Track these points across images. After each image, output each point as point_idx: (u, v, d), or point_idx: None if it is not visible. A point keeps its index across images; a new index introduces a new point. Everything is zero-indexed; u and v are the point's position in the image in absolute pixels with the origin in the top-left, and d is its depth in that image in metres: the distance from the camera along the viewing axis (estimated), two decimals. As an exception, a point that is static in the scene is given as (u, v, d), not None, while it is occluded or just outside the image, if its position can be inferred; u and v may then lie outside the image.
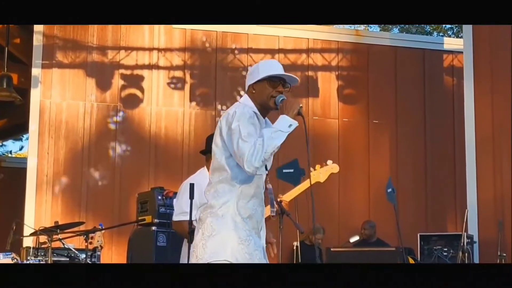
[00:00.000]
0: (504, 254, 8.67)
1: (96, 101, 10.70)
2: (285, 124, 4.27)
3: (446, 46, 12.22)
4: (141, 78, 10.87)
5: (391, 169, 11.46)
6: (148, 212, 8.38)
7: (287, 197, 6.17)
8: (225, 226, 4.24)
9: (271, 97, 4.40)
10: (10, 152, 24.33)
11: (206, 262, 4.17)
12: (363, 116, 11.68)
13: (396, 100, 11.74)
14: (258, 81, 4.43)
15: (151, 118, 10.85)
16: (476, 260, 9.24)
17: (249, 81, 4.48)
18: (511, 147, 9.36)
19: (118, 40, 10.89)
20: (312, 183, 6.12)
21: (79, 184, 10.52)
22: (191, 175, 6.51)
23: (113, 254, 10.25)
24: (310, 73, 11.51)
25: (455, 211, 11.42)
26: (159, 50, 11.00)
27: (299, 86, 11.36)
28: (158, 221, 8.18)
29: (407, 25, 22.41)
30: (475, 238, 9.46)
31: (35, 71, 10.49)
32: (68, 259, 7.94)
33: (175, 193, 8.30)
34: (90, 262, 7.70)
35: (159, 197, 8.35)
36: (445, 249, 9.28)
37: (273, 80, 4.43)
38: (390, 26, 22.76)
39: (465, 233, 8.67)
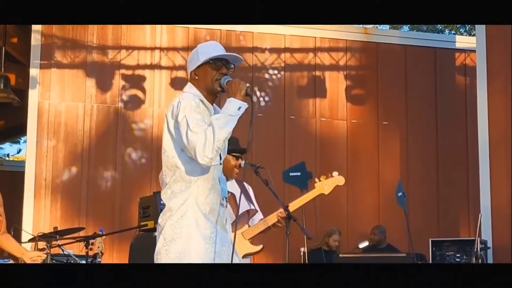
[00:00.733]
0: (520, 260, 8.55)
1: (96, 102, 10.58)
2: (234, 107, 4.15)
3: (458, 45, 12.11)
4: (143, 78, 10.73)
5: (401, 172, 11.34)
6: (150, 217, 8.23)
7: (291, 207, 6.00)
8: (187, 228, 4.07)
9: (215, 80, 4.26)
10: (8, 155, 24.34)
11: None
12: (372, 117, 11.52)
13: (407, 101, 11.60)
14: (200, 65, 4.26)
15: (153, 120, 10.69)
16: (490, 267, 9.06)
17: (190, 67, 4.31)
18: (527, 148, 9.23)
19: (119, 39, 10.75)
20: (316, 194, 6.06)
21: (78, 188, 10.39)
22: None
23: (114, 260, 10.12)
24: (318, 73, 11.38)
25: (468, 216, 11.30)
26: (161, 49, 10.87)
27: (306, 86, 11.23)
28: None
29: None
30: (489, 244, 9.33)
31: (33, 72, 10.37)
32: (67, 266, 7.80)
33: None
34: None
35: (162, 202, 8.12)
36: (458, 255, 9.21)
37: (215, 63, 4.26)
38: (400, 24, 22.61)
39: (478, 238, 8.51)
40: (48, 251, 7.27)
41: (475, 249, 8.46)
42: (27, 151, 10.56)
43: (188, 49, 10.91)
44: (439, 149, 11.57)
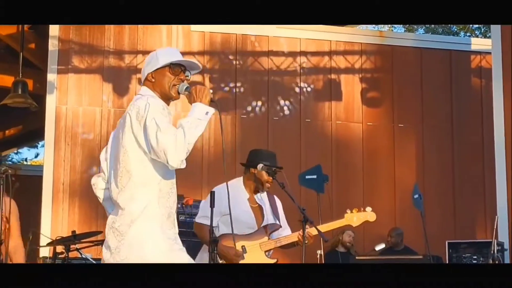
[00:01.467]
0: (537, 262, 8.49)
1: (113, 107, 10.58)
2: (202, 112, 4.10)
3: (473, 47, 12.01)
4: (159, 83, 10.66)
5: (417, 174, 11.28)
6: (167, 220, 8.22)
7: (313, 230, 6.03)
8: (151, 232, 4.06)
9: (172, 86, 4.21)
10: (26, 159, 24.42)
11: None
12: (388, 119, 11.48)
13: (422, 103, 11.55)
14: (158, 69, 4.20)
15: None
16: (507, 269, 9.00)
17: (148, 69, 4.24)
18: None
19: (135, 44, 10.75)
20: (343, 225, 6.28)
21: (96, 192, 10.32)
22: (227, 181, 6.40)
23: (131, 263, 10.04)
24: (333, 76, 11.35)
25: (484, 217, 11.22)
26: (177, 54, 10.79)
27: (322, 89, 11.22)
28: (178, 230, 7.97)
29: (432, 26, 22.21)
30: (506, 245, 9.20)
31: (51, 77, 10.39)
32: (85, 269, 7.80)
33: (195, 201, 8.21)
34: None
35: (179, 205, 8.24)
36: (475, 257, 9.15)
37: (174, 68, 4.21)
38: (415, 27, 22.56)
39: (495, 240, 8.45)
40: (66, 255, 7.34)
41: (492, 251, 8.43)
42: (45, 156, 10.58)
43: (204, 53, 10.94)
44: (455, 151, 11.50)
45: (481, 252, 9.06)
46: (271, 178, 6.02)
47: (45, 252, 8.41)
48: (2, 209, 5.34)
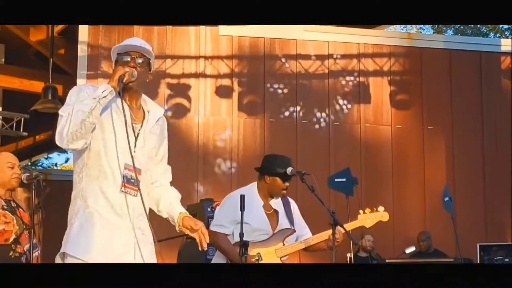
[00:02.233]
0: None
1: (143, 111, 10.56)
2: (99, 90, 3.89)
3: (503, 48, 11.95)
4: (188, 87, 10.75)
5: (447, 177, 11.21)
6: (197, 224, 8.22)
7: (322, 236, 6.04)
8: (78, 221, 3.98)
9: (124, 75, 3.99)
10: (56, 164, 24.63)
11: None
12: (417, 122, 11.44)
13: (452, 105, 11.49)
14: (115, 63, 4.09)
15: (198, 127, 10.71)
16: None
17: None
18: None
19: (164, 49, 10.78)
20: (356, 226, 6.05)
21: (126, 196, 10.36)
22: (241, 187, 6.37)
23: (162, 267, 10.07)
24: (362, 78, 11.33)
25: (515, 220, 11.08)
26: (205, 58, 10.87)
27: (351, 92, 11.19)
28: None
29: (461, 27, 22.08)
30: (537, 247, 9.19)
31: (80, 82, 10.39)
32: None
33: (224, 205, 8.21)
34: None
35: (208, 209, 8.26)
36: (506, 260, 9.15)
37: (122, 58, 4.04)
38: (444, 28, 22.44)
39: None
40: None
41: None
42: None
43: (232, 57, 10.96)
44: (485, 153, 11.44)
45: (513, 254, 8.98)
46: (286, 184, 5.99)
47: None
48: (33, 214, 5.38)
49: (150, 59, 4.12)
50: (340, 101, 11.20)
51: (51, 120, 12.08)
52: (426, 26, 24.88)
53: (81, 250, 3.92)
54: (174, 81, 10.73)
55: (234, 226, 5.79)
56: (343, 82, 11.26)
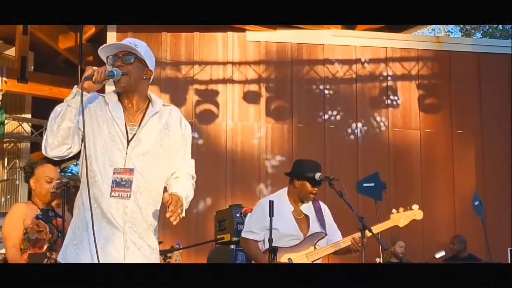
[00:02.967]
0: None
1: (171, 118, 10.58)
2: (71, 94, 3.81)
3: (533, 51, 11.79)
4: (216, 93, 10.77)
5: (477, 181, 11.15)
6: (226, 230, 8.30)
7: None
8: (71, 230, 3.98)
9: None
10: (85, 171, 24.69)
11: None
12: (446, 126, 11.37)
13: (481, 109, 11.42)
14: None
15: (226, 133, 10.71)
16: None
17: None
18: None
19: (192, 55, 10.81)
20: (389, 226, 5.98)
21: (155, 202, 10.39)
22: (272, 193, 6.39)
23: (191, 273, 10.08)
24: (390, 83, 11.26)
25: (547, 223, 10.96)
26: (233, 64, 10.89)
27: (378, 96, 11.15)
28: (237, 239, 8.02)
29: (490, 30, 21.95)
30: None
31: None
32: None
33: (254, 211, 8.22)
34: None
35: (237, 215, 8.27)
36: (538, 264, 8.92)
37: (111, 59, 3.95)
38: (473, 31, 22.32)
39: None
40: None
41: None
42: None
43: (259, 62, 10.97)
44: (515, 156, 11.34)
45: (544, 258, 8.89)
46: (315, 189, 5.99)
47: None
48: (65, 219, 5.41)
49: (138, 55, 3.98)
50: (368, 106, 11.17)
51: (80, 127, 12.21)
52: (455, 29, 24.82)
53: (71, 259, 3.91)
54: (202, 87, 10.75)
55: (265, 232, 5.80)
56: (371, 87, 11.22)
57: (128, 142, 3.94)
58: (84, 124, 3.85)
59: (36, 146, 13.30)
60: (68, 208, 5.53)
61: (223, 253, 8.21)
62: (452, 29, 24.84)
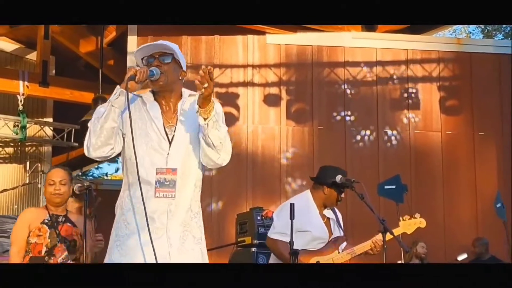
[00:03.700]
0: None
1: (192, 121, 10.59)
2: (113, 94, 3.90)
3: (554, 52, 11.71)
4: (237, 96, 10.78)
5: (499, 183, 11.03)
6: (247, 233, 8.32)
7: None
8: (114, 232, 4.01)
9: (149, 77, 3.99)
10: (106, 174, 24.83)
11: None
12: (467, 128, 11.30)
13: (503, 110, 11.32)
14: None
15: (247, 136, 10.71)
16: None
17: None
18: None
19: (212, 58, 10.82)
20: (400, 233, 6.09)
21: (175, 205, 10.39)
22: (296, 195, 6.45)
23: (213, 276, 10.07)
24: (410, 84, 11.22)
25: None
26: (253, 66, 10.89)
27: (399, 98, 11.12)
28: (258, 242, 8.07)
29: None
30: None
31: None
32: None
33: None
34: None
35: (258, 218, 8.28)
36: (561, 266, 8.84)
37: (147, 61, 4.06)
38: (494, 33, 22.21)
39: None
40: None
41: None
42: (125, 170, 10.70)
43: (280, 65, 10.96)
44: (537, 157, 11.26)
45: None
46: (342, 196, 6.09)
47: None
48: (86, 223, 5.43)
49: (174, 56, 4.09)
50: (389, 108, 11.13)
51: (101, 130, 12.26)
52: (476, 30, 24.72)
53: (116, 260, 3.92)
54: (223, 90, 10.75)
55: (295, 234, 5.83)
56: (392, 89, 11.19)
57: (170, 142, 3.98)
58: (132, 124, 3.86)
59: (57, 150, 13.37)
60: (89, 212, 5.55)
61: (244, 256, 8.22)
62: (473, 30, 24.77)
